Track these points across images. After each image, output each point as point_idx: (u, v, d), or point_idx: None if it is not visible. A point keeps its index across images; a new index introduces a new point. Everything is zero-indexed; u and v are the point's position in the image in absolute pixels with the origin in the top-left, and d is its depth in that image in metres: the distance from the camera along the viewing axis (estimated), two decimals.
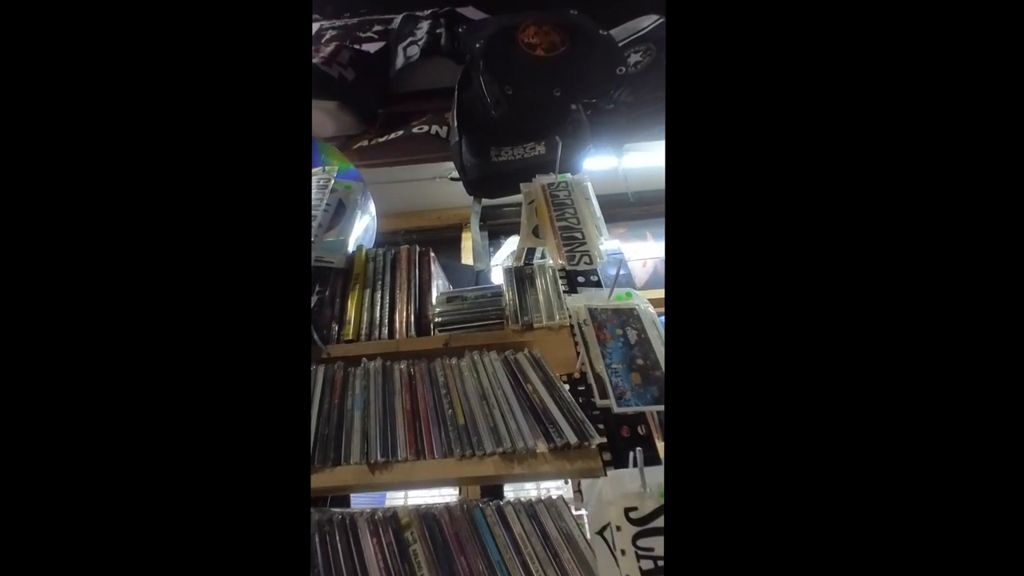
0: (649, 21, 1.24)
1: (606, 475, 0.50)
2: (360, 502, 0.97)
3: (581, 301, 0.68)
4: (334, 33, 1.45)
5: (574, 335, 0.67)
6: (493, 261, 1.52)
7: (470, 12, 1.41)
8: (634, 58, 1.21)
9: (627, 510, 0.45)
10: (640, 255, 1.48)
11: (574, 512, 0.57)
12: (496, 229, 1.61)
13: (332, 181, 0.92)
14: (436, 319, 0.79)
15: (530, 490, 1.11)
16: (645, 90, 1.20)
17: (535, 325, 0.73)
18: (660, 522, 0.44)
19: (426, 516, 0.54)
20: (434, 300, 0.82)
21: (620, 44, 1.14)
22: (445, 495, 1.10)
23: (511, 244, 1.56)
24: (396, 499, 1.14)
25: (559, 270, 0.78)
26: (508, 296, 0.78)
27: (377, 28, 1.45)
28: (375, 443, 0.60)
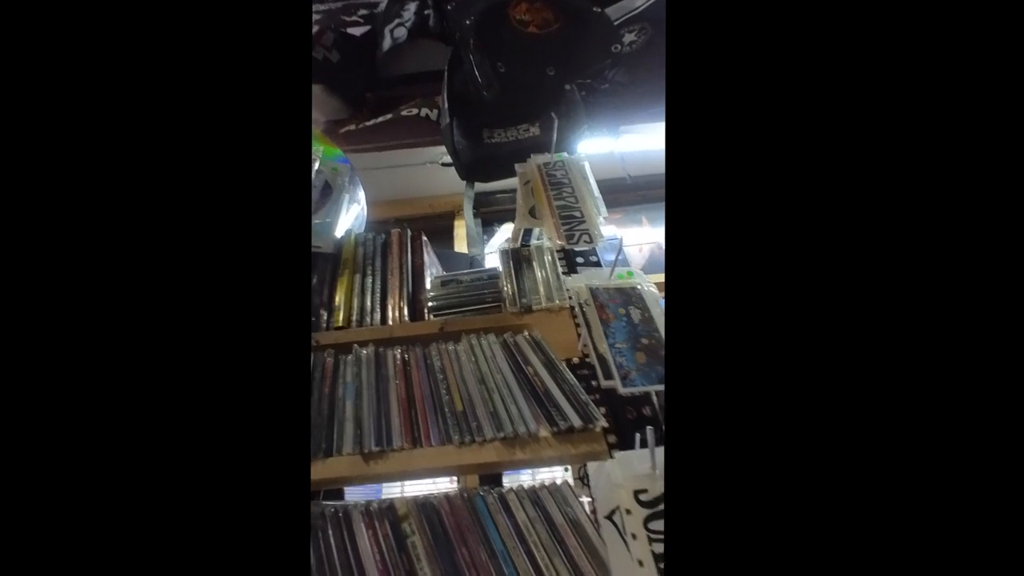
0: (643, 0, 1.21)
1: (612, 458, 0.48)
2: (354, 496, 0.94)
3: (582, 281, 0.65)
4: (317, 18, 1.39)
5: (575, 316, 0.64)
6: (487, 249, 1.49)
7: None
8: (629, 37, 1.18)
9: (636, 492, 0.42)
10: (636, 240, 1.46)
11: (583, 499, 0.55)
12: (489, 216, 1.58)
13: (317, 162, 0.88)
14: (430, 303, 0.75)
15: (525, 480, 1.09)
16: (640, 70, 1.17)
17: (534, 307, 0.71)
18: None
19: (424, 506, 0.52)
20: (428, 285, 0.79)
21: (615, 23, 1.10)
22: (441, 487, 1.08)
23: (505, 231, 1.53)
24: (392, 492, 1.12)
25: (558, 250, 0.75)
26: (505, 278, 0.75)
27: (362, 12, 1.40)
28: (369, 432, 0.56)
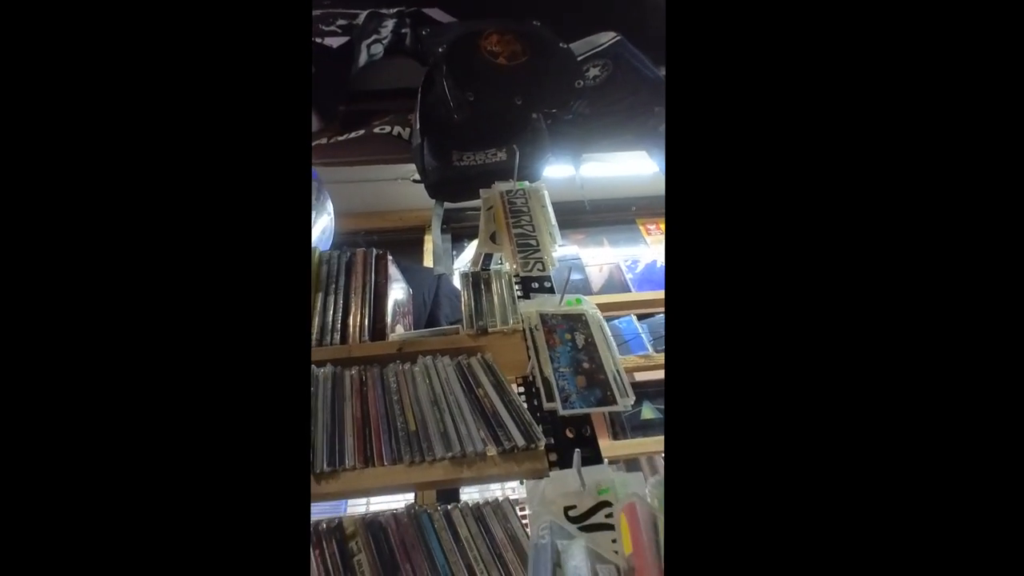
0: (607, 38, 1.30)
1: (549, 476, 0.52)
2: (321, 510, 0.93)
3: (533, 307, 0.70)
4: None
5: (525, 340, 0.69)
6: (456, 264, 1.52)
7: (436, 13, 1.40)
8: (592, 72, 1.26)
9: (566, 508, 0.47)
10: (597, 260, 1.53)
11: (524, 512, 0.59)
12: (460, 232, 1.61)
13: None
14: None
15: (495, 490, 1.12)
16: (602, 102, 1.25)
17: (490, 329, 0.75)
18: (596, 518, 0.46)
19: (372, 525, 0.54)
20: (390, 305, 0.81)
21: (579, 58, 1.18)
22: (403, 500, 1.09)
23: (474, 247, 1.56)
24: (358, 506, 1.12)
25: (514, 275, 0.80)
26: (464, 300, 0.79)
27: (341, 22, 1.41)
28: (321, 453, 0.58)
